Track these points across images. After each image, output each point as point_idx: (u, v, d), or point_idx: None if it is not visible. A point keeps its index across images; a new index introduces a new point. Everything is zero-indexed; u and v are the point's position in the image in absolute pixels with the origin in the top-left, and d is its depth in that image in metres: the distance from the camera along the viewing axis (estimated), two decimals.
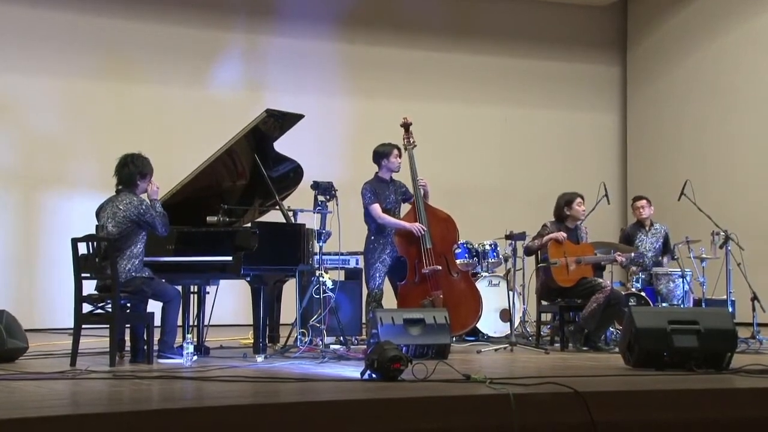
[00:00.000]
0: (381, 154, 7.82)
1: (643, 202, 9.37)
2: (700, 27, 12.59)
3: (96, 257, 6.36)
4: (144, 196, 6.61)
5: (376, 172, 7.87)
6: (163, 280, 6.66)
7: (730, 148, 12.03)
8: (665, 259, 9.18)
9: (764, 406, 4.77)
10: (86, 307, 6.42)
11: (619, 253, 8.13)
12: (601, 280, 7.93)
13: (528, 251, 8.19)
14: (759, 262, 9.91)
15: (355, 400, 4.48)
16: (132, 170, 6.59)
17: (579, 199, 8.20)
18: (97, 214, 6.63)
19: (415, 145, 8.07)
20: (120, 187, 6.61)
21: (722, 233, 8.73)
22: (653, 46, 13.28)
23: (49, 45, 11.03)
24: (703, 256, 8.94)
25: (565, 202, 8.19)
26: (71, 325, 6.40)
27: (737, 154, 11.95)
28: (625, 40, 13.75)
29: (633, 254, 8.34)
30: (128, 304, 6.51)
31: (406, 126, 8.14)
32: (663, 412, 4.61)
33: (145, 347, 6.44)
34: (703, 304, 8.80)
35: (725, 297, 8.75)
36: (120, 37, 11.36)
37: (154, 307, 6.63)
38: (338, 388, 5.06)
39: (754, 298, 8.54)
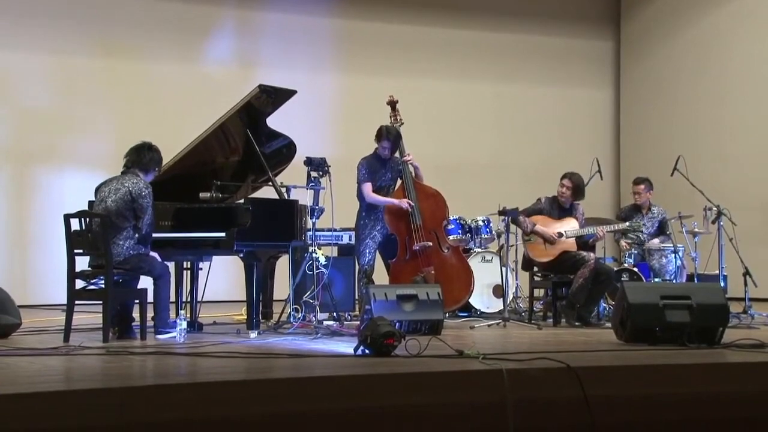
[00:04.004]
0: (377, 136, 7.81)
1: (642, 186, 9.11)
2: (692, 2, 12.55)
3: (89, 233, 6.35)
4: None
5: (375, 149, 7.86)
6: (156, 255, 6.66)
7: (723, 124, 12.03)
8: (658, 240, 9.13)
9: (755, 380, 4.80)
10: (79, 284, 6.42)
11: (601, 227, 8.14)
12: (584, 254, 7.90)
13: (513, 220, 8.15)
14: (751, 237, 9.94)
15: (348, 375, 4.49)
16: (154, 157, 6.63)
17: (564, 180, 8.16)
18: (97, 189, 6.61)
19: (402, 123, 8.06)
20: (132, 168, 6.58)
21: (715, 208, 8.75)
22: (647, 22, 13.24)
23: (40, 21, 10.95)
24: (696, 231, 8.96)
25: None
26: (64, 301, 6.40)
27: (730, 129, 11.94)
28: (618, 16, 13.70)
29: (620, 225, 8.35)
30: (121, 281, 6.51)
31: (393, 104, 8.12)
32: (655, 387, 4.64)
33: (138, 323, 6.45)
34: (695, 279, 8.83)
35: (717, 272, 8.77)
36: (112, 13, 11.28)
37: (145, 283, 6.63)
38: (331, 364, 5.08)
39: (746, 273, 8.57)
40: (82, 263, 6.49)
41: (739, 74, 11.89)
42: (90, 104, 11.09)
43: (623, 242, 9.00)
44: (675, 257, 8.76)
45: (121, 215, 6.41)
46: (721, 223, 8.71)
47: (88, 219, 6.39)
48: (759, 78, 11.64)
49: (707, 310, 5.85)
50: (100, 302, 6.29)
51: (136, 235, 6.49)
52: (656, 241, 9.07)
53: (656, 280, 8.68)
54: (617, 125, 13.69)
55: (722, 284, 8.40)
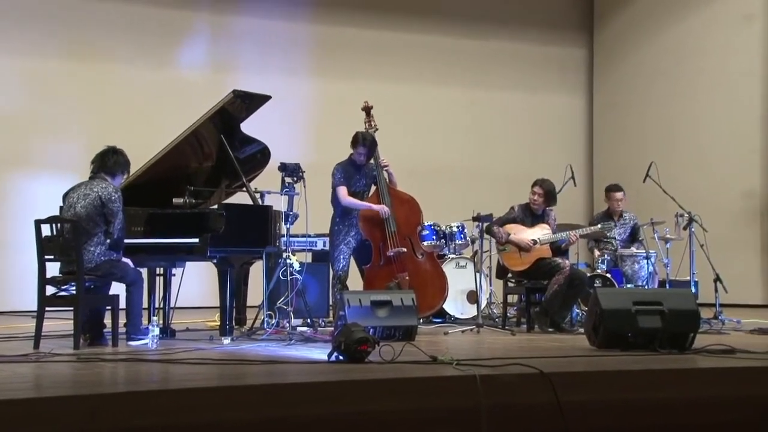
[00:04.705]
0: (353, 142, 7.80)
1: (622, 194, 9.18)
2: (665, 10, 12.66)
3: (60, 239, 6.30)
4: None
5: (350, 154, 7.85)
6: (129, 261, 6.61)
7: (695, 131, 12.14)
8: (632, 247, 9.18)
9: (725, 386, 4.83)
10: (50, 290, 6.36)
11: (574, 232, 8.18)
12: (560, 260, 7.95)
13: (487, 230, 8.17)
14: (722, 243, 10.02)
15: (321, 382, 4.48)
16: (119, 160, 6.59)
17: (534, 188, 8.20)
18: (65, 195, 6.56)
19: (377, 128, 8.07)
20: (98, 173, 6.54)
21: (686, 215, 8.82)
22: (619, 29, 13.34)
23: (11, 23, 10.87)
24: (668, 237, 9.02)
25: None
26: (35, 307, 6.34)
27: (702, 136, 12.05)
28: (591, 23, 13.80)
29: (591, 228, 8.40)
30: (92, 287, 6.46)
31: (367, 110, 8.13)
32: (627, 393, 4.66)
33: (110, 330, 6.40)
34: (667, 285, 8.89)
35: (689, 278, 8.84)
36: (84, 16, 11.21)
37: (117, 289, 6.58)
38: (305, 370, 5.06)
39: (717, 279, 8.64)
40: (53, 269, 6.43)
41: (711, 81, 12.01)
42: (62, 108, 11.01)
43: (597, 251, 9.06)
44: (647, 263, 8.81)
45: (92, 221, 6.37)
46: (693, 230, 8.78)
47: (59, 224, 6.34)
48: (731, 85, 11.76)
49: (679, 315, 5.89)
50: (71, 309, 6.23)
51: (108, 241, 6.44)
52: (633, 249, 9.10)
53: (629, 286, 8.73)
54: (590, 132, 13.77)
55: (693, 290, 8.47)
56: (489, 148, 12.99)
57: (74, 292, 6.27)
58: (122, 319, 6.47)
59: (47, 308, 6.31)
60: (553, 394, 4.36)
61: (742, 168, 11.58)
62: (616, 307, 5.89)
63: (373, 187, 7.95)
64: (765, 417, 4.70)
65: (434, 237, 8.90)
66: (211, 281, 7.63)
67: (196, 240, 6.71)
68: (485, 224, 8.10)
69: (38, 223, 6.33)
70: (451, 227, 9.11)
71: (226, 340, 6.62)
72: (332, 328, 7.11)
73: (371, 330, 6.14)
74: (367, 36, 12.51)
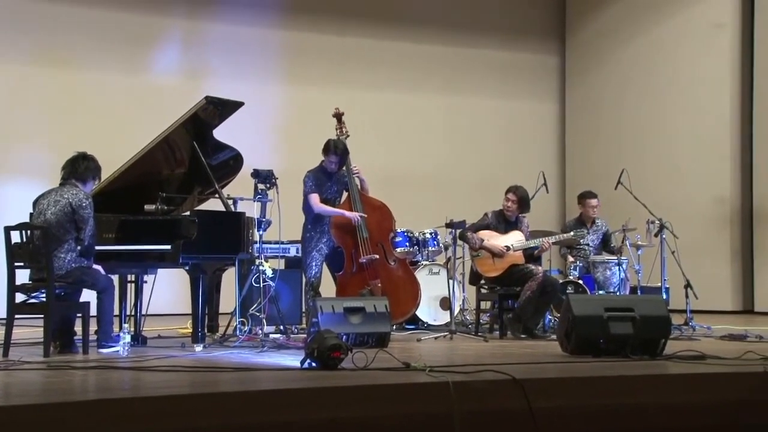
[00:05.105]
0: (324, 149, 7.78)
1: (596, 201, 9.25)
2: (636, 18, 12.77)
3: (30, 246, 6.24)
4: None
5: (321, 161, 7.84)
6: (100, 268, 6.57)
7: (666, 138, 12.24)
8: (603, 254, 9.24)
9: (696, 392, 4.87)
10: (20, 297, 6.31)
11: (546, 238, 8.22)
12: (533, 267, 7.98)
13: (461, 236, 8.20)
14: (692, 249, 10.10)
15: (294, 388, 4.47)
16: (90, 165, 6.55)
17: (509, 195, 8.22)
18: (35, 202, 6.51)
19: (348, 135, 8.07)
20: (69, 179, 6.49)
21: (657, 221, 8.88)
22: (591, 36, 13.43)
23: None
24: (639, 243, 9.08)
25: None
26: (4, 315, 6.27)
27: (673, 143, 12.16)
28: (563, 30, 13.89)
29: (564, 235, 8.44)
30: (63, 294, 6.41)
31: (339, 116, 8.13)
32: (599, 399, 4.68)
33: (80, 337, 6.35)
34: (638, 291, 8.94)
35: (660, 284, 8.90)
36: (57, 22, 11.14)
37: (88, 296, 6.53)
38: (278, 377, 5.04)
39: (687, 285, 8.71)
40: (23, 276, 6.38)
41: (680, 89, 12.12)
42: (33, 114, 10.93)
43: (570, 257, 9.10)
44: (619, 270, 8.87)
45: (62, 227, 6.32)
46: (664, 236, 8.85)
47: (29, 231, 6.28)
48: (702, 93, 11.87)
49: (650, 322, 5.92)
50: (41, 316, 6.18)
51: (78, 248, 6.39)
52: (605, 255, 9.16)
53: (600, 292, 8.77)
54: (563, 139, 13.85)
55: (664, 296, 8.52)
56: (462, 155, 13.03)
57: (44, 299, 6.21)
58: (93, 327, 6.43)
59: (17, 316, 6.25)
60: (526, 401, 4.38)
61: (712, 175, 11.69)
62: (588, 313, 5.91)
63: (345, 194, 7.94)
64: (735, 423, 4.74)
65: (407, 244, 8.91)
66: (183, 288, 7.60)
67: (168, 247, 6.68)
68: (459, 231, 8.12)
69: (8, 230, 6.27)
70: (424, 234, 9.13)
71: (198, 348, 6.59)
72: (305, 335, 7.09)
73: (344, 337, 6.13)
74: (339, 43, 12.52)
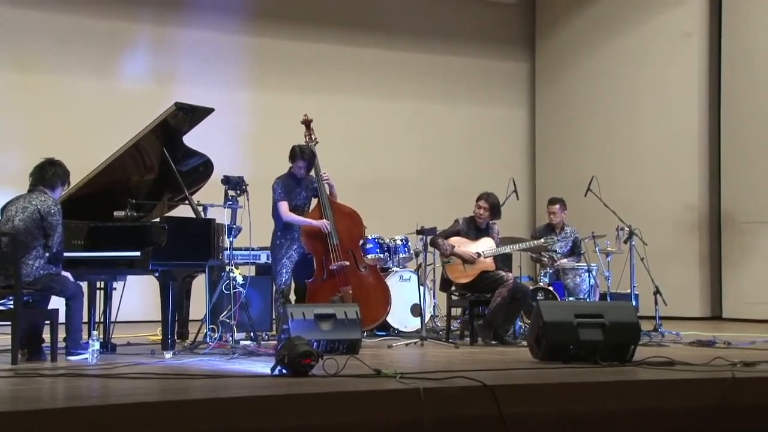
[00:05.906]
0: (291, 156, 7.77)
1: (557, 207, 9.33)
2: (605, 25, 12.87)
3: None
4: None
5: (290, 167, 7.83)
6: (69, 275, 6.51)
7: (635, 145, 12.34)
8: (567, 260, 9.29)
9: (665, 397, 4.91)
10: None
11: (517, 245, 8.27)
12: (503, 273, 8.02)
13: (432, 243, 8.22)
14: (661, 256, 10.18)
15: (265, 395, 4.45)
16: (58, 171, 6.50)
17: (480, 202, 8.25)
18: (3, 209, 6.45)
19: (317, 142, 8.04)
20: (37, 186, 6.44)
21: (626, 228, 8.95)
22: (560, 44, 13.52)
23: None
24: (609, 250, 9.14)
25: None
26: None
27: (642, 150, 12.25)
28: (533, 38, 13.96)
29: (534, 242, 8.50)
30: (31, 301, 6.34)
31: (307, 123, 8.11)
32: (569, 404, 4.71)
33: (48, 345, 6.29)
34: (608, 297, 9.01)
35: (629, 291, 8.97)
36: (23, 27, 11.04)
37: (57, 303, 6.47)
38: (248, 384, 5.02)
39: (657, 292, 8.78)
40: None
41: (648, 96, 12.23)
42: (1, 120, 10.81)
43: (541, 260, 9.17)
44: (589, 276, 8.92)
45: (30, 234, 6.26)
46: (633, 243, 8.91)
47: None
48: (670, 100, 11.98)
49: (619, 328, 5.96)
50: (9, 323, 6.11)
51: (47, 255, 6.34)
52: (565, 261, 9.21)
53: (570, 298, 8.83)
54: (533, 145, 13.92)
55: (634, 303, 8.58)
56: (432, 161, 13.06)
57: (12, 306, 6.15)
58: (62, 334, 6.37)
59: None
60: (496, 407, 4.39)
61: (680, 182, 11.80)
62: (558, 319, 5.95)
63: (315, 200, 7.92)
64: (704, 429, 4.77)
65: (378, 250, 8.91)
66: (152, 295, 7.54)
67: (138, 253, 6.64)
68: (430, 237, 8.14)
69: None
70: (395, 240, 9.14)
71: (168, 355, 6.55)
72: (275, 342, 7.06)
73: (315, 343, 6.12)
74: (309, 49, 12.50)
